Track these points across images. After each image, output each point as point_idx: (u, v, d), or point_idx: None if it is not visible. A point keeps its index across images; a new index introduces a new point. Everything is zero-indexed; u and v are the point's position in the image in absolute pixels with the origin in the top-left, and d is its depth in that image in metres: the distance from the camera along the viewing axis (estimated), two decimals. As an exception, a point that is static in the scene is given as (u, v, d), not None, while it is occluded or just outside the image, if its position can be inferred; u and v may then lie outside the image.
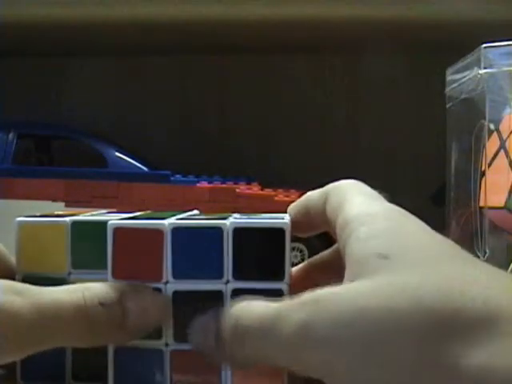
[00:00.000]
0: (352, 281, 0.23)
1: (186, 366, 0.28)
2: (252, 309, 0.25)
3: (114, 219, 0.28)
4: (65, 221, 0.29)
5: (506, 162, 0.37)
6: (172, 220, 0.28)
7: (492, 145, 0.38)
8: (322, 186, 0.29)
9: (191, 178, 0.55)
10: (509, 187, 0.36)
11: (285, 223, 0.28)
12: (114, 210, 0.36)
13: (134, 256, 0.28)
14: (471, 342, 0.19)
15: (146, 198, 0.54)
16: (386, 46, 0.62)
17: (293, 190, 0.55)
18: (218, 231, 0.28)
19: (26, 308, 0.24)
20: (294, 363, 0.24)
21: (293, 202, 0.31)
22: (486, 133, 0.38)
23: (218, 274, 0.28)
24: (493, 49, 0.38)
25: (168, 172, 0.55)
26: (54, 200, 0.54)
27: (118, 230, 0.28)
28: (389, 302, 0.21)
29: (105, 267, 0.28)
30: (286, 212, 0.31)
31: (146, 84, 0.73)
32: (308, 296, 0.23)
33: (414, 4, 0.53)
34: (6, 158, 0.55)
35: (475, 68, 0.39)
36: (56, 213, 0.32)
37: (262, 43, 0.66)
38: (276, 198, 0.53)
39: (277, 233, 0.28)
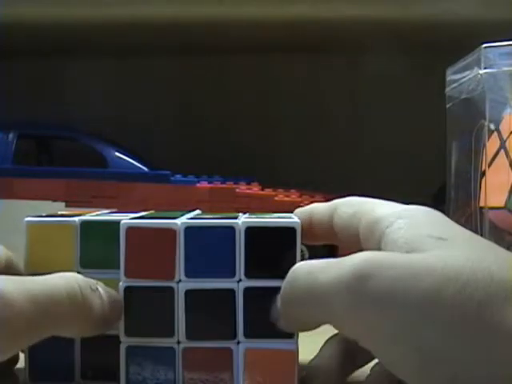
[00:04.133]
0: None
1: (197, 364, 0.28)
2: (306, 263, 0.25)
3: (126, 219, 0.28)
4: (74, 221, 0.30)
5: (506, 162, 0.37)
6: (184, 219, 0.28)
7: (492, 145, 0.38)
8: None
9: (191, 178, 0.55)
10: (509, 187, 0.36)
11: (296, 222, 0.28)
12: (115, 209, 0.36)
13: (146, 255, 0.28)
14: None
15: (146, 197, 0.54)
16: (386, 45, 0.62)
17: (293, 190, 0.55)
18: (230, 230, 0.28)
19: (22, 295, 0.24)
20: (336, 318, 0.24)
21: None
22: (486, 133, 0.38)
23: (230, 273, 0.28)
24: (493, 49, 0.38)
25: (168, 172, 0.55)
26: (55, 200, 0.54)
27: (131, 230, 0.28)
28: (452, 268, 0.22)
29: (113, 266, 0.28)
30: (286, 212, 0.31)
31: (146, 84, 0.73)
32: (366, 252, 0.23)
33: (415, 4, 0.53)
34: (6, 158, 0.55)
35: (475, 68, 0.38)
36: (60, 213, 0.32)
37: (262, 43, 0.66)
38: (276, 198, 0.53)
39: (288, 232, 0.28)
